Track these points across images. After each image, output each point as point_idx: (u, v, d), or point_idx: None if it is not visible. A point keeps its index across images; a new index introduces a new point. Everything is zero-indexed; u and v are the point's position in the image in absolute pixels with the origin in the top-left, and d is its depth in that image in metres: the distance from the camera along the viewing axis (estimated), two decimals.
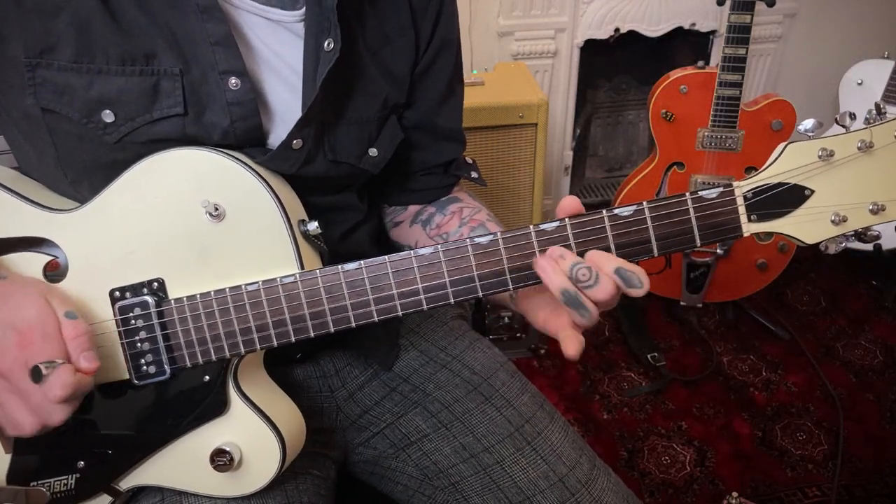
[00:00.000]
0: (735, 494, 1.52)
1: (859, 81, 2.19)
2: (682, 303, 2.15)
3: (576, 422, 1.90)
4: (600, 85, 2.69)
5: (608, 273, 0.60)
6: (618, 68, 2.65)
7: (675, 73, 1.89)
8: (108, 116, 0.66)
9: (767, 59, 2.51)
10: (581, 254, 0.62)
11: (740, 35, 1.76)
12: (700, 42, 2.48)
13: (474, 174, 0.94)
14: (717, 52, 2.34)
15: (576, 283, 0.60)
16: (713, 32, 2.41)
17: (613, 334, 2.21)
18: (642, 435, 1.85)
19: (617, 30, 2.33)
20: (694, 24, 2.37)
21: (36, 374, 0.59)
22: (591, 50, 2.39)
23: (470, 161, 0.95)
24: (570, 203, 0.63)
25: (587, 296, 0.61)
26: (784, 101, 1.84)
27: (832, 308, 2.29)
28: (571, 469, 0.82)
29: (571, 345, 0.63)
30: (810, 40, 2.51)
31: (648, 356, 2.08)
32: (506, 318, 2.04)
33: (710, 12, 2.34)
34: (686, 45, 2.50)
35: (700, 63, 1.88)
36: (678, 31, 2.38)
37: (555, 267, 0.61)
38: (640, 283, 0.60)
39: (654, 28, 2.36)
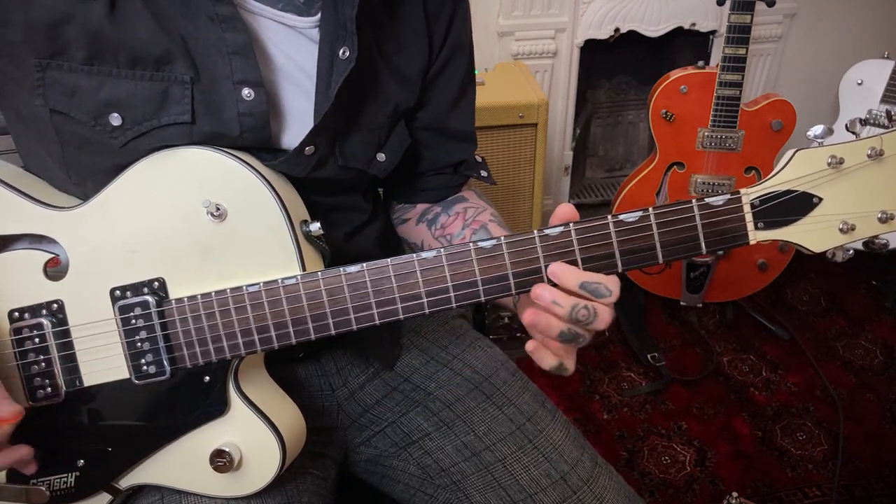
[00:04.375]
0: (735, 494, 1.52)
1: (859, 81, 2.19)
2: (682, 303, 2.15)
3: (576, 422, 1.89)
4: (600, 85, 2.68)
5: (574, 288, 0.60)
6: (618, 68, 2.65)
7: (675, 73, 1.89)
8: (115, 119, 0.65)
9: (767, 59, 2.51)
10: (577, 262, 0.61)
11: (740, 35, 1.76)
12: (700, 42, 2.47)
13: (483, 173, 0.94)
14: (717, 52, 2.34)
15: (575, 323, 0.60)
16: (713, 32, 2.41)
17: (613, 334, 2.21)
18: (642, 435, 1.85)
19: (617, 30, 2.33)
20: (694, 24, 2.36)
21: None
22: (591, 50, 2.39)
23: (480, 159, 0.95)
24: (567, 211, 0.63)
25: (587, 331, 0.61)
26: (784, 101, 1.84)
27: (832, 308, 2.29)
28: (573, 467, 0.82)
29: (546, 359, 0.64)
30: (810, 40, 2.50)
31: (648, 356, 2.07)
32: (506, 318, 2.04)
33: (710, 12, 2.34)
34: (686, 45, 2.50)
35: (700, 63, 1.88)
36: (678, 31, 2.38)
37: (549, 317, 0.61)
38: (609, 291, 0.60)
39: (654, 28, 2.35)
